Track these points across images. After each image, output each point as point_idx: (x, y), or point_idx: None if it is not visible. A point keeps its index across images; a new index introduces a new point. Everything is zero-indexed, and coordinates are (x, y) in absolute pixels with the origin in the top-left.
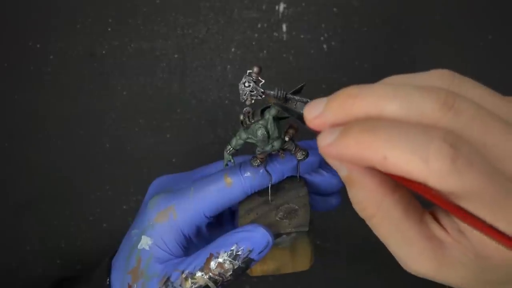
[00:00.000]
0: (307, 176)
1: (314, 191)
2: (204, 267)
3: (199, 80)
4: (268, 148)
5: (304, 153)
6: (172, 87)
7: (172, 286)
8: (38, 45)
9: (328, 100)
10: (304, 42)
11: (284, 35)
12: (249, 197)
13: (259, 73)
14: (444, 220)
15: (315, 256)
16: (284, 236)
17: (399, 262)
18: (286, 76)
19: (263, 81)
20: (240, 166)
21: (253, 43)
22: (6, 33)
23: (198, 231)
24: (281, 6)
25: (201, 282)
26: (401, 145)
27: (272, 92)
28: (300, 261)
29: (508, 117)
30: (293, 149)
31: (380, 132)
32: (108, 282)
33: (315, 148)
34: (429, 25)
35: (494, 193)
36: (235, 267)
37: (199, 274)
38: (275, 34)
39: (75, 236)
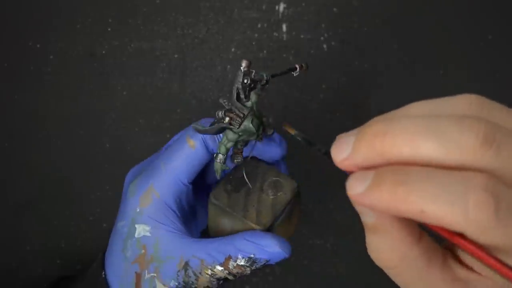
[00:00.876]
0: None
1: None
2: (224, 264)
3: (199, 80)
4: (254, 137)
5: (271, 128)
6: (172, 87)
7: (192, 271)
8: (38, 45)
9: (356, 139)
10: (304, 42)
11: (284, 35)
12: (230, 197)
13: (249, 66)
14: (465, 255)
15: (316, 255)
16: (287, 207)
17: None
18: (286, 76)
19: (254, 71)
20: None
21: (253, 43)
22: (6, 33)
23: (184, 201)
24: (281, 6)
25: (221, 275)
26: (439, 198)
27: (264, 74)
28: (292, 228)
29: None
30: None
31: (415, 184)
32: (103, 276)
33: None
34: (429, 25)
35: None
36: (252, 268)
37: (218, 268)
38: (275, 34)
39: (75, 236)
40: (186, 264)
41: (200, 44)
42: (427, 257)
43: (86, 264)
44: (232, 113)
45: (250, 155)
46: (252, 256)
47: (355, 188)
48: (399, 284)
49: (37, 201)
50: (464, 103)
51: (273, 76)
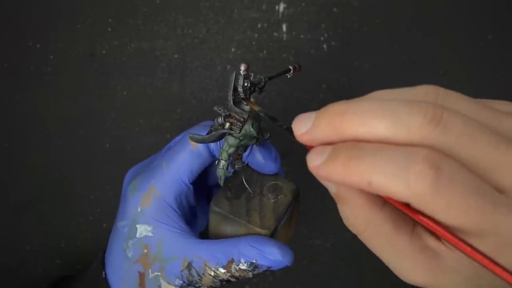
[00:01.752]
0: (248, 161)
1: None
2: (226, 267)
3: (199, 80)
4: (254, 141)
5: (267, 132)
6: (172, 87)
7: (195, 271)
8: (38, 45)
9: (316, 116)
10: (304, 42)
11: (284, 35)
12: (231, 204)
13: (248, 69)
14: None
15: (316, 255)
16: (289, 209)
17: (395, 273)
18: (286, 76)
19: (252, 74)
20: (201, 127)
21: (253, 43)
22: (6, 33)
23: (185, 201)
24: (281, 6)
25: (223, 277)
26: (384, 169)
27: (262, 77)
28: (291, 230)
29: (497, 126)
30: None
31: (365, 158)
32: (104, 276)
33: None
34: (429, 25)
35: (478, 206)
36: (255, 272)
37: (221, 270)
38: (275, 34)
39: (75, 236)
40: (190, 264)
41: (200, 44)
42: (394, 222)
43: (86, 264)
44: (232, 118)
45: (246, 162)
46: (254, 261)
47: (313, 161)
48: (372, 250)
49: (37, 201)
50: (421, 91)
51: (270, 78)
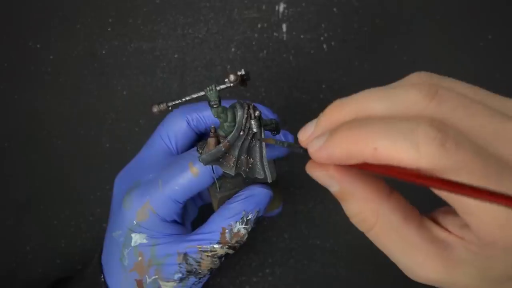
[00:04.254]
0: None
1: None
2: (221, 241)
3: (199, 80)
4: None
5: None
6: (172, 87)
7: (192, 259)
8: (38, 45)
9: (318, 118)
10: (304, 42)
11: (284, 35)
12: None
13: (235, 80)
14: (444, 220)
15: (316, 255)
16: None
17: (406, 273)
18: (286, 76)
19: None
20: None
21: (253, 43)
22: (6, 33)
23: (180, 212)
24: (281, 6)
25: (221, 252)
26: (390, 134)
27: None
28: (273, 204)
29: (491, 105)
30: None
31: (367, 126)
32: (102, 279)
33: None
34: (429, 25)
35: (484, 167)
36: (249, 230)
37: (217, 246)
38: (275, 34)
39: (75, 236)
40: (185, 255)
41: (200, 44)
42: (402, 214)
43: (86, 264)
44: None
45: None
46: (243, 214)
47: (314, 145)
48: (381, 247)
49: (37, 201)
50: (415, 76)
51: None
